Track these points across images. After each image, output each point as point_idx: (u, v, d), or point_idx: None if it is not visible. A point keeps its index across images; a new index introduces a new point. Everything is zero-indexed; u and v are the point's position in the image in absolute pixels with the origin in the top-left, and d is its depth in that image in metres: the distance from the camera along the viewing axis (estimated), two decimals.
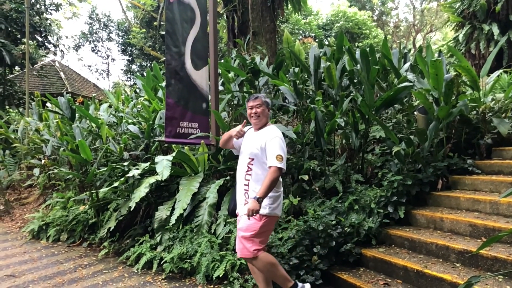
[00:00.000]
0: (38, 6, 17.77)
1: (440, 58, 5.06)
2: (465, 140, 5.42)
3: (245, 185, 3.46)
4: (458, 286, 3.18)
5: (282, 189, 3.53)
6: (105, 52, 35.67)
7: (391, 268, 3.88)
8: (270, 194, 3.33)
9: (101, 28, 32.83)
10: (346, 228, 4.30)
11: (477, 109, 5.57)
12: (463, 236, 3.98)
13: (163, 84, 7.25)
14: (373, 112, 5.06)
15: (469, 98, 5.44)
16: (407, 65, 6.33)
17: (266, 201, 3.33)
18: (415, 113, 5.69)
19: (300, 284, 3.53)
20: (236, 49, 9.50)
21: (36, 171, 8.17)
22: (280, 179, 3.45)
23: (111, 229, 5.53)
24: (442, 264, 3.67)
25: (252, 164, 3.43)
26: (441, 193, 4.71)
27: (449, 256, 3.73)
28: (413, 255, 3.98)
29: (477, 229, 3.90)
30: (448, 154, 5.19)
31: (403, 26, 36.17)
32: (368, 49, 5.83)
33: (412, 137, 5.07)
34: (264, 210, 3.32)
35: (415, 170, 4.91)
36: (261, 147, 3.38)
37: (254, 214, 3.15)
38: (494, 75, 6.14)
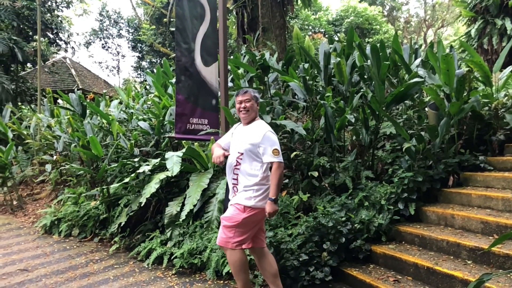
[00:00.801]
0: (49, 3, 17.91)
1: (451, 53, 5.00)
2: (477, 136, 5.36)
3: (233, 179, 3.48)
4: (469, 284, 3.16)
5: (270, 182, 3.47)
6: (115, 49, 35.93)
7: (402, 265, 3.86)
8: (256, 187, 3.36)
9: (111, 25, 33.00)
10: (356, 225, 4.29)
11: (489, 105, 5.50)
12: (475, 233, 3.95)
13: (173, 80, 7.27)
14: (384, 108, 5.03)
15: (481, 94, 5.38)
16: (418, 60, 6.27)
17: (251, 193, 3.36)
18: (426, 109, 5.64)
19: None
20: (245, 45, 9.49)
21: (48, 167, 8.27)
22: (268, 172, 3.46)
23: (122, 225, 5.58)
24: (453, 261, 3.64)
25: (241, 159, 3.45)
26: (452, 190, 4.67)
27: (461, 253, 3.70)
28: (423, 252, 3.95)
29: (489, 226, 3.86)
30: (459, 151, 5.14)
31: (414, 22, 35.79)
32: (378, 44, 5.79)
33: (423, 133, 5.04)
34: (248, 202, 3.35)
35: (426, 167, 4.88)
36: (251, 142, 3.39)
37: (273, 216, 3.31)
38: (507, 70, 6.05)
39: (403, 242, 4.30)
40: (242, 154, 3.43)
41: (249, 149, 3.39)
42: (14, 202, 8.09)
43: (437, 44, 5.97)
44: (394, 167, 5.04)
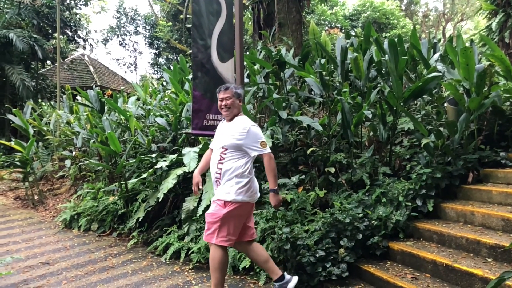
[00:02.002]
0: (68, 1, 18.16)
1: (471, 47, 4.90)
2: (498, 132, 5.26)
3: (217, 173, 3.50)
4: (489, 282, 3.11)
5: (252, 175, 3.52)
6: (133, 46, 36.21)
7: (419, 262, 3.82)
8: (236, 180, 3.39)
9: (128, 22, 33.31)
10: (373, 221, 4.26)
11: (511, 100, 5.39)
12: (495, 231, 3.88)
13: (190, 77, 7.30)
14: (401, 104, 4.97)
15: (502, 89, 5.26)
16: (437, 55, 6.18)
17: (231, 187, 3.38)
18: (445, 104, 5.55)
19: None
20: (261, 41, 9.47)
21: (68, 162, 8.42)
22: (251, 166, 3.50)
23: (139, 220, 5.65)
24: (473, 259, 3.59)
25: (225, 154, 3.47)
26: (472, 187, 4.59)
27: (480, 250, 3.64)
28: (442, 249, 3.91)
29: (510, 223, 3.79)
30: (479, 147, 5.05)
31: (433, 16, 35.17)
32: (396, 39, 5.72)
33: (441, 129, 4.97)
34: (228, 196, 3.37)
35: (445, 163, 4.81)
36: (235, 137, 3.42)
37: (278, 207, 3.46)
38: None
39: (421, 239, 4.25)
40: (226, 149, 3.47)
41: (232, 144, 3.44)
42: (35, 197, 8.26)
43: (457, 38, 5.86)
44: (412, 163, 4.98)
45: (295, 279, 3.62)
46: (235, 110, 3.57)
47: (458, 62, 4.98)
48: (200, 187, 3.72)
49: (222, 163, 3.47)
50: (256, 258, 3.63)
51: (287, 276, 3.62)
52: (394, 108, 5.03)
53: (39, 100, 15.56)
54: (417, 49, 5.85)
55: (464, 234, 3.83)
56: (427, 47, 6.44)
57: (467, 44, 6.20)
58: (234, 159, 3.44)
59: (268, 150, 3.41)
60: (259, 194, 3.63)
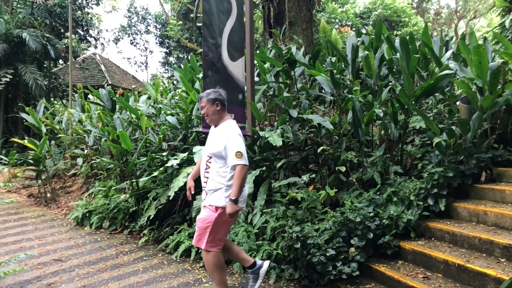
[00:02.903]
0: (80, 0, 18.32)
1: (484, 44, 4.84)
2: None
3: (204, 182, 3.57)
4: (502, 282, 3.08)
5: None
6: (143, 45, 36.46)
7: (431, 262, 3.79)
8: (225, 187, 3.44)
9: (139, 21, 33.48)
10: (384, 220, 4.24)
11: None
12: (509, 231, 3.83)
13: (200, 75, 7.33)
14: (413, 102, 4.93)
15: None
16: (449, 53, 6.10)
17: (221, 194, 3.44)
18: (457, 103, 5.49)
19: None
20: (272, 40, 9.45)
21: (80, 160, 8.50)
22: None
23: (150, 218, 5.69)
24: (486, 259, 3.55)
25: (210, 162, 3.54)
26: (485, 186, 4.54)
27: (493, 251, 3.60)
28: (454, 249, 3.87)
29: None
30: (492, 146, 4.99)
31: (445, 13, 34.78)
32: (407, 37, 5.67)
33: (454, 127, 4.91)
34: (220, 202, 3.43)
35: (457, 162, 4.76)
36: (217, 146, 3.46)
37: (233, 217, 3.42)
38: None
39: (433, 239, 4.22)
40: (211, 157, 3.53)
41: (215, 153, 3.49)
42: (48, 195, 8.36)
43: (469, 36, 5.79)
44: (424, 162, 4.94)
45: (266, 263, 3.77)
46: (215, 116, 3.59)
47: (470, 60, 4.92)
48: (192, 192, 3.84)
49: (208, 172, 3.55)
50: (234, 255, 3.80)
51: (259, 262, 3.76)
52: (406, 107, 5.00)
53: (52, 99, 15.73)
54: (428, 47, 5.79)
55: (476, 234, 3.79)
56: (439, 45, 6.37)
57: (480, 42, 6.13)
58: (219, 166, 3.49)
59: (241, 162, 3.34)
60: (245, 203, 3.69)
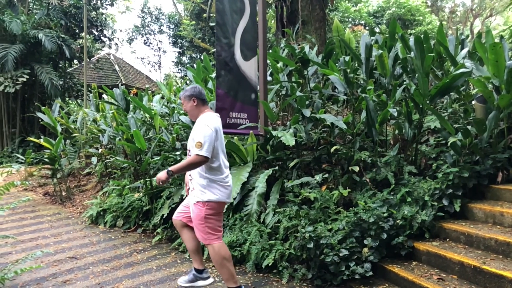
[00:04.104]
0: (94, 1, 18.51)
1: (501, 43, 4.76)
2: None
3: (189, 174, 3.71)
4: None
5: (222, 175, 3.61)
6: (157, 45, 36.66)
7: (446, 263, 3.75)
8: (206, 181, 3.53)
9: (152, 21, 33.70)
10: (398, 221, 4.20)
11: None
12: None
13: (213, 75, 7.36)
14: (428, 101, 4.88)
15: None
16: (465, 51, 6.03)
17: (203, 188, 3.54)
18: (473, 102, 5.41)
19: None
20: (285, 39, 9.44)
21: (94, 159, 8.60)
22: (219, 165, 3.58)
23: (164, 216, 5.73)
24: (502, 261, 3.50)
25: (189, 156, 3.60)
26: (501, 187, 4.46)
27: (510, 252, 3.55)
28: (469, 250, 3.82)
29: None
30: (509, 146, 4.90)
31: (460, 11, 34.29)
32: (422, 36, 5.61)
33: (469, 127, 4.85)
34: (204, 196, 3.53)
35: (473, 162, 4.69)
36: (192, 140, 3.55)
37: (160, 183, 3.49)
38: None
39: (448, 240, 4.17)
40: (189, 151, 3.62)
41: (191, 148, 3.58)
42: (63, 193, 8.47)
43: (486, 34, 5.69)
44: (439, 162, 4.88)
45: (209, 280, 3.89)
46: (193, 111, 3.71)
47: (487, 58, 4.85)
48: (188, 187, 3.89)
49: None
50: (186, 240, 3.89)
51: (205, 274, 3.89)
52: (420, 106, 4.94)
53: (67, 99, 15.92)
54: (443, 45, 5.72)
55: (493, 235, 3.73)
56: (454, 44, 6.29)
57: (497, 40, 6.03)
58: None
59: (198, 151, 3.39)
60: (231, 197, 3.75)
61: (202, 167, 3.53)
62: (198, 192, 3.56)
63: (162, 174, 3.45)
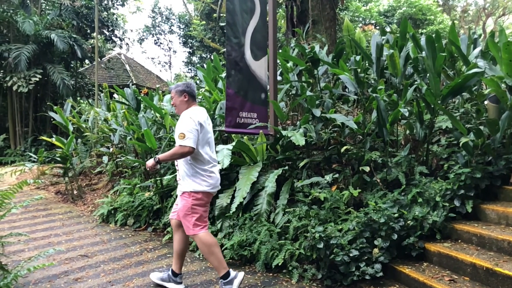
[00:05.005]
0: (105, 1, 18.66)
1: None
2: None
3: (177, 170, 3.89)
4: None
5: (208, 167, 3.78)
6: (167, 45, 36.96)
7: (458, 264, 3.72)
8: (191, 172, 3.72)
9: (163, 21, 33.84)
10: (409, 221, 4.17)
11: None
12: None
13: (223, 75, 7.37)
14: (439, 102, 4.83)
15: None
16: (477, 51, 5.96)
17: (189, 180, 3.72)
18: (486, 102, 5.35)
19: (233, 273, 3.76)
20: (295, 39, 9.42)
21: (105, 158, 8.67)
22: (203, 157, 3.75)
23: None
24: None
25: None
26: None
27: None
28: (482, 252, 3.78)
29: None
30: None
31: (472, 11, 33.91)
32: (433, 35, 5.56)
33: (481, 127, 4.79)
34: (189, 187, 3.72)
35: (485, 163, 4.64)
36: (176, 131, 3.74)
37: (149, 169, 3.78)
38: None
39: (460, 241, 4.13)
40: (175, 143, 3.77)
41: (176, 138, 3.73)
42: (75, 192, 8.55)
43: (499, 33, 5.62)
44: (450, 162, 4.84)
45: (180, 286, 4.04)
46: (181, 106, 3.88)
47: (500, 58, 4.79)
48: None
49: (177, 160, 3.84)
50: (175, 242, 4.03)
51: (179, 279, 4.05)
52: (432, 106, 4.90)
53: (78, 98, 16.06)
54: (455, 45, 5.66)
55: (506, 237, 3.69)
56: (467, 43, 6.22)
57: (510, 39, 5.95)
58: None
59: (182, 142, 3.57)
60: (216, 188, 3.90)
61: (187, 159, 3.71)
62: (184, 182, 3.75)
63: (150, 161, 3.75)
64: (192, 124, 3.64)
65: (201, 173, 3.73)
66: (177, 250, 4.01)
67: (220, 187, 4.03)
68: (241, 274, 3.80)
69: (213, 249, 3.71)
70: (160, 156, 3.70)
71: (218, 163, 5.21)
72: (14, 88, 13.26)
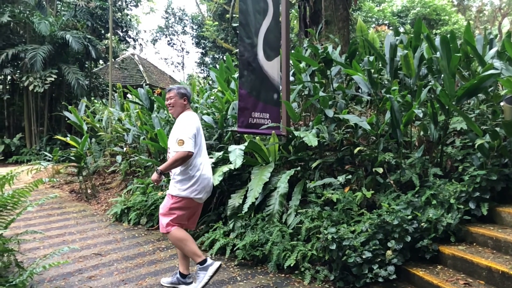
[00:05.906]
0: (119, 2, 18.84)
1: None
2: None
3: (169, 172, 3.91)
4: None
5: (198, 173, 3.79)
6: (180, 45, 37.08)
7: (473, 268, 3.67)
8: (179, 177, 3.76)
9: (176, 22, 34.08)
10: (422, 224, 4.13)
11: None
12: None
13: (236, 75, 7.38)
14: (454, 103, 4.78)
15: None
16: (493, 51, 5.87)
17: (176, 184, 3.78)
18: (502, 103, 5.27)
19: (209, 261, 3.81)
20: (307, 39, 9.39)
21: (119, 158, 8.76)
22: (195, 163, 3.78)
23: None
24: None
25: (169, 153, 3.84)
26: None
27: None
28: (497, 255, 3.73)
29: None
30: None
31: (487, 11, 33.43)
32: (448, 35, 5.49)
33: (497, 129, 4.72)
34: (174, 191, 3.79)
35: (501, 165, 4.57)
36: (173, 137, 3.77)
37: (154, 183, 3.91)
38: None
39: (474, 244, 4.08)
40: (170, 148, 3.82)
41: (171, 145, 3.80)
42: (89, 191, 8.65)
43: None
44: (465, 164, 4.77)
45: (191, 286, 4.01)
46: (178, 108, 3.91)
47: None
48: None
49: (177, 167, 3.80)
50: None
51: (188, 279, 4.04)
52: (446, 107, 4.85)
53: (92, 98, 16.26)
54: (471, 45, 5.59)
55: None
56: (482, 44, 6.14)
57: None
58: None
59: (181, 148, 3.58)
60: (204, 196, 3.90)
61: (189, 165, 3.75)
62: (171, 185, 3.83)
63: (153, 175, 3.77)
64: (190, 129, 3.70)
65: (190, 178, 3.76)
66: (181, 252, 4.03)
67: (210, 194, 4.06)
68: (217, 263, 3.86)
69: (186, 242, 3.79)
70: (161, 167, 3.70)
71: (230, 162, 5.25)
72: (30, 88, 13.47)
